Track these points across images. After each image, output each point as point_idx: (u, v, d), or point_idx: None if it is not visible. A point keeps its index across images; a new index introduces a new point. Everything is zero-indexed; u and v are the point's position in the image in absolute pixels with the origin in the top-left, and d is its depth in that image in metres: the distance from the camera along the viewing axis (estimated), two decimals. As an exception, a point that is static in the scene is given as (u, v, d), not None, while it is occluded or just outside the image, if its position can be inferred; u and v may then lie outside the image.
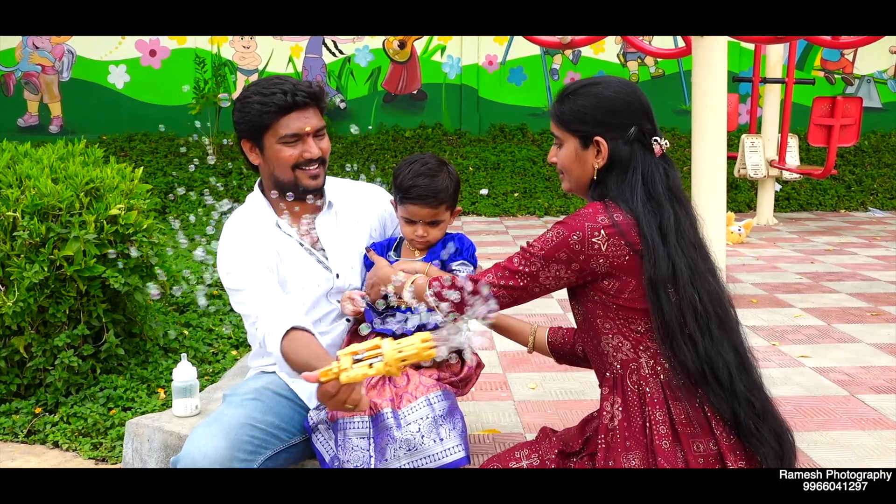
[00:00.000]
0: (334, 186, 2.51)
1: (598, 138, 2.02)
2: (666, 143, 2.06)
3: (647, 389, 1.97)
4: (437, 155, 2.50)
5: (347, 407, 1.90)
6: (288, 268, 2.40)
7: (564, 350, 2.42)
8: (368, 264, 2.48)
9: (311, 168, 2.36)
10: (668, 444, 1.93)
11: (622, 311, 2.00)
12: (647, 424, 1.96)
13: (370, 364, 1.82)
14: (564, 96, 2.09)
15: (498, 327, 2.47)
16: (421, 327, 2.39)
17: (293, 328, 2.16)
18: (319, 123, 2.37)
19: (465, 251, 2.45)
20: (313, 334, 2.19)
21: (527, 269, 2.02)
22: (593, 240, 1.95)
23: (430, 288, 2.11)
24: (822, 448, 2.97)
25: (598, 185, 2.05)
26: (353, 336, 2.44)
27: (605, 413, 2.03)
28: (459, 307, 2.05)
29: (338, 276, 2.46)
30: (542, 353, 2.46)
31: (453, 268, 2.41)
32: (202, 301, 2.56)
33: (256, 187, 2.49)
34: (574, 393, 3.57)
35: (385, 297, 2.40)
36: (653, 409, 1.96)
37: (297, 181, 2.36)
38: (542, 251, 2.00)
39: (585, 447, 2.11)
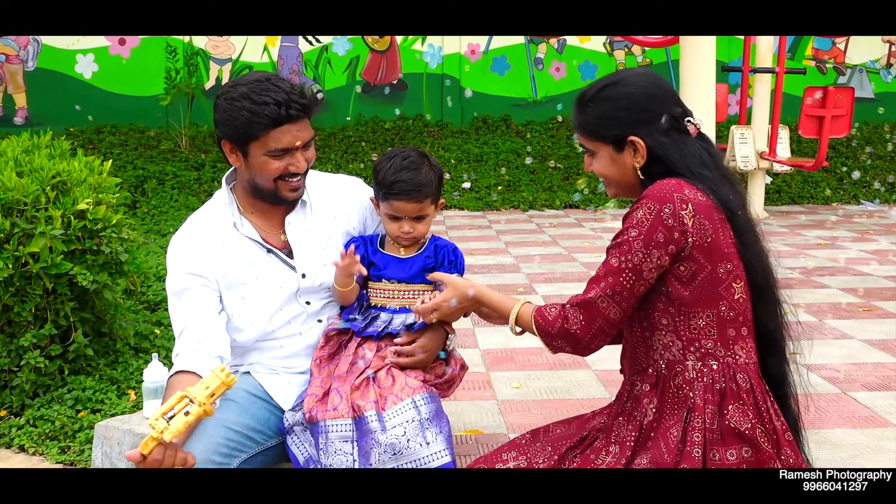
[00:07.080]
0: (310, 181, 2.42)
1: (631, 138, 1.95)
2: (700, 122, 2.00)
3: (691, 394, 1.92)
4: (417, 147, 2.47)
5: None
6: (245, 270, 2.33)
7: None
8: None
9: (294, 181, 2.30)
10: (699, 453, 1.88)
11: (685, 306, 1.92)
12: (683, 428, 1.90)
13: (185, 412, 1.88)
14: (584, 104, 2.02)
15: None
16: (408, 327, 2.33)
17: (182, 371, 2.17)
18: (309, 135, 2.29)
19: (459, 264, 2.43)
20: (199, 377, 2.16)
21: (629, 264, 1.89)
22: (682, 212, 1.86)
23: (535, 321, 2.04)
24: (813, 446, 2.89)
25: (647, 182, 1.96)
26: (328, 339, 2.37)
27: (643, 409, 1.97)
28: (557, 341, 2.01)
29: (304, 275, 2.37)
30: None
31: None
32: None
33: (224, 182, 2.42)
34: (559, 392, 3.53)
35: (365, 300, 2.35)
36: (692, 415, 1.90)
37: (276, 191, 2.30)
38: (641, 235, 1.88)
39: (580, 445, 2.06)
